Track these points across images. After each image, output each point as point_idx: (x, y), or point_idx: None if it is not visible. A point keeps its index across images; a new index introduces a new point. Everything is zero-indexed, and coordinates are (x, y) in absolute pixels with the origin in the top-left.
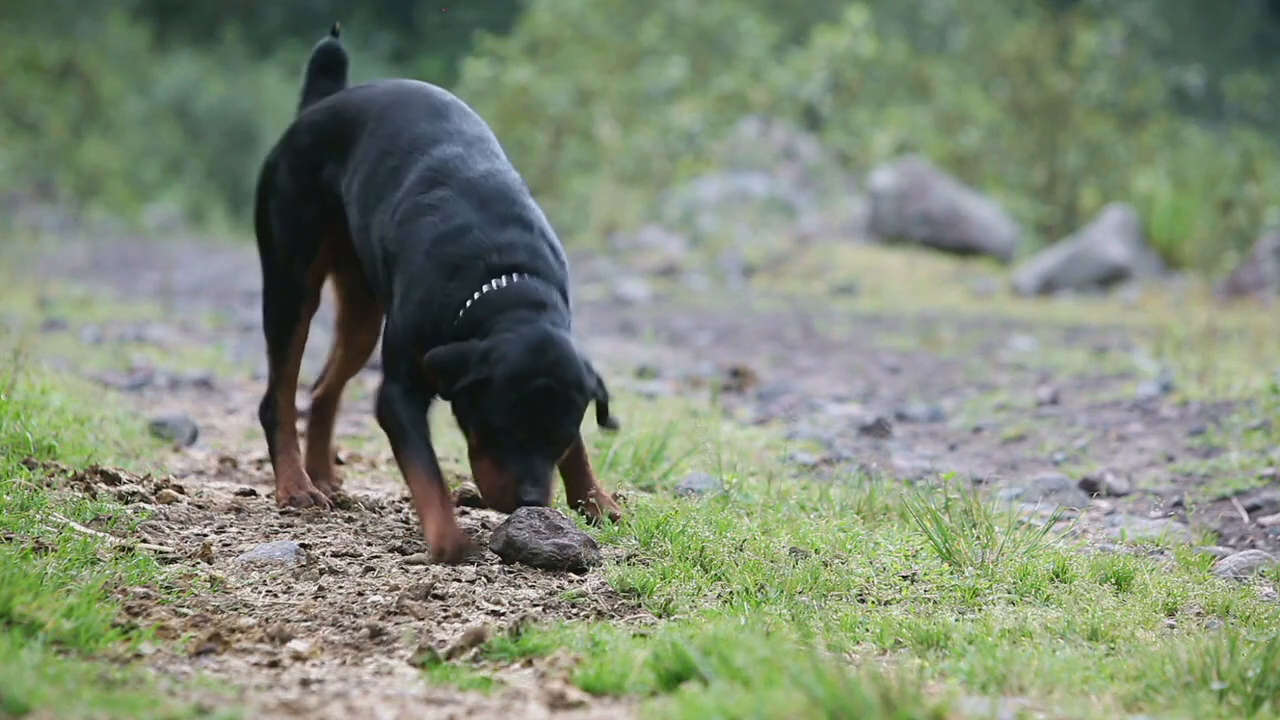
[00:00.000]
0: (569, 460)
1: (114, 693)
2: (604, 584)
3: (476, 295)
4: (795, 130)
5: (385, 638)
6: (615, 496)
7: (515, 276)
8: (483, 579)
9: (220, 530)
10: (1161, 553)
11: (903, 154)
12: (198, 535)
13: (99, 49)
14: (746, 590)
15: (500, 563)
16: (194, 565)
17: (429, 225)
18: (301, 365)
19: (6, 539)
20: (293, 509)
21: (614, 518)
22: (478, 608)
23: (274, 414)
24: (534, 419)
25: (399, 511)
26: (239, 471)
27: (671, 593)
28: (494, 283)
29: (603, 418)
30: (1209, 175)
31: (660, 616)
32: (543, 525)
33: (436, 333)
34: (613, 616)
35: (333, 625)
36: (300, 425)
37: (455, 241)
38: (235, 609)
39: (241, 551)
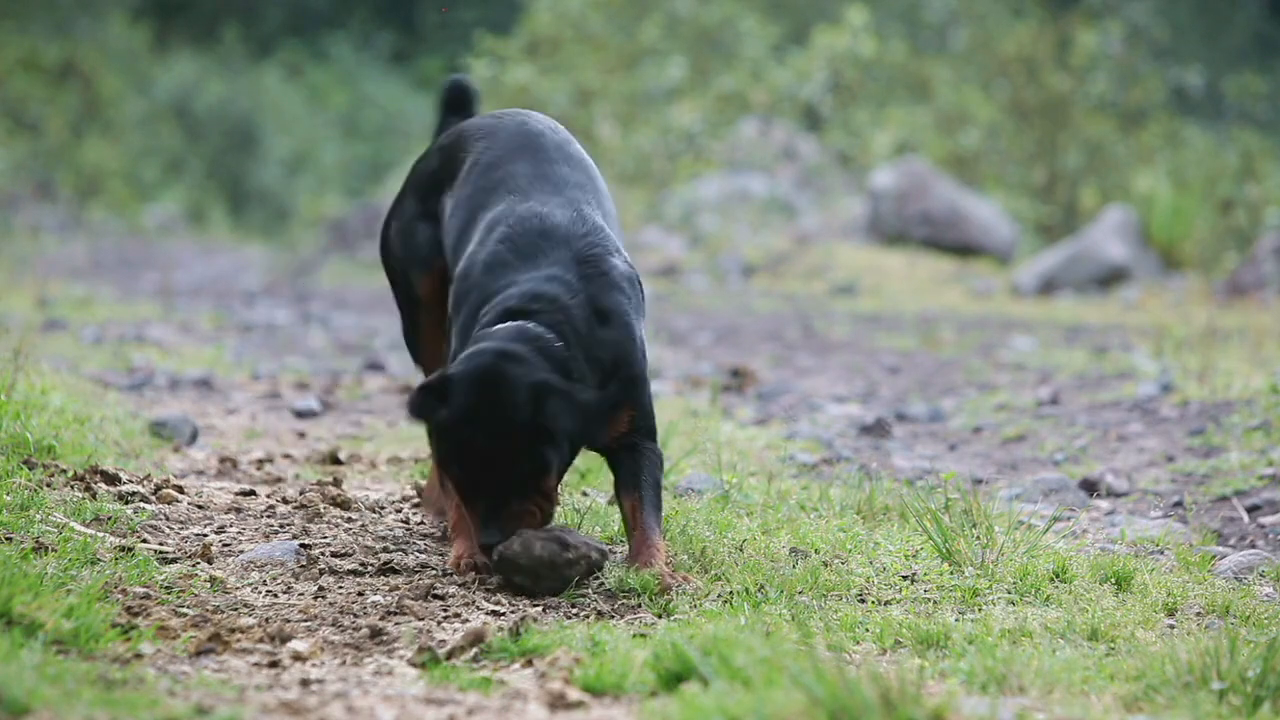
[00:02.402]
0: (627, 515)
1: (114, 693)
2: (604, 584)
3: (476, 331)
4: (795, 130)
5: (385, 638)
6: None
7: (517, 321)
8: (482, 578)
9: (220, 530)
10: (1161, 553)
11: (903, 154)
12: (198, 535)
13: (99, 49)
14: (746, 590)
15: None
16: (194, 565)
17: (485, 273)
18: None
19: (6, 539)
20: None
21: (663, 590)
22: (478, 608)
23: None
24: (473, 464)
25: (399, 511)
26: (239, 471)
27: (671, 592)
28: (496, 327)
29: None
30: (1209, 175)
31: (660, 616)
32: (553, 542)
33: None
34: (613, 616)
35: (333, 625)
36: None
37: (489, 287)
38: (235, 609)
39: (241, 551)
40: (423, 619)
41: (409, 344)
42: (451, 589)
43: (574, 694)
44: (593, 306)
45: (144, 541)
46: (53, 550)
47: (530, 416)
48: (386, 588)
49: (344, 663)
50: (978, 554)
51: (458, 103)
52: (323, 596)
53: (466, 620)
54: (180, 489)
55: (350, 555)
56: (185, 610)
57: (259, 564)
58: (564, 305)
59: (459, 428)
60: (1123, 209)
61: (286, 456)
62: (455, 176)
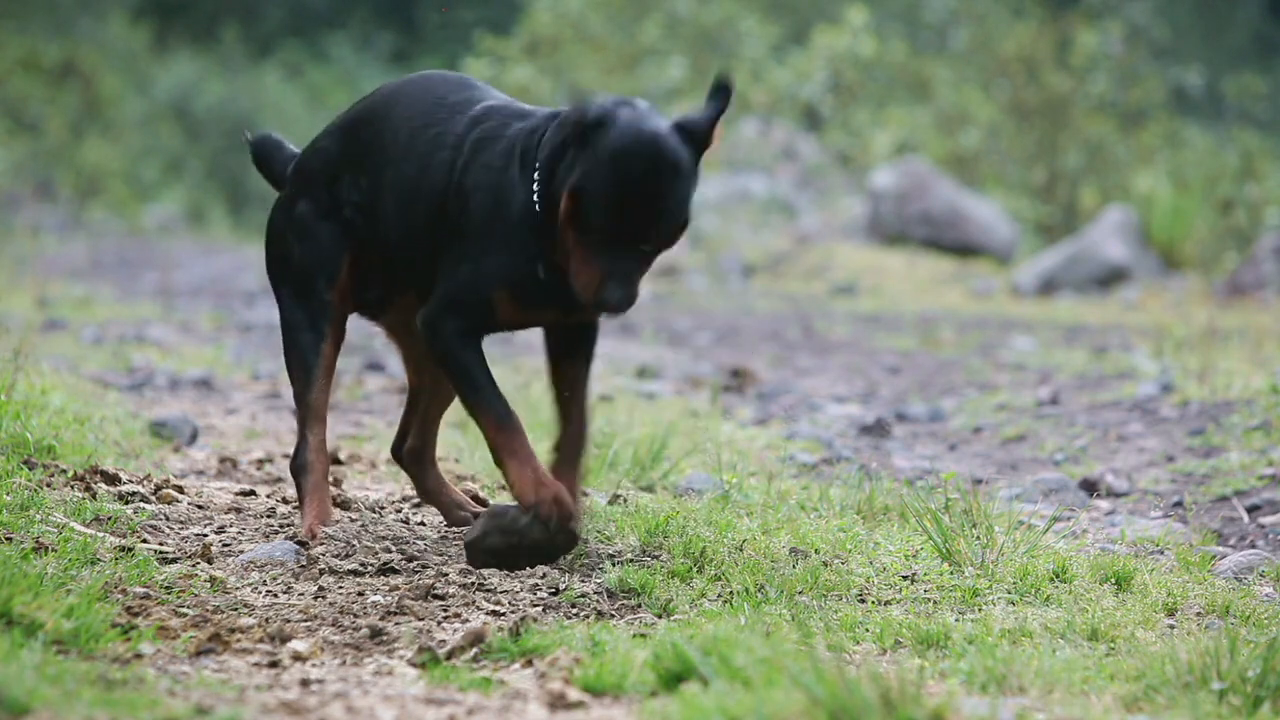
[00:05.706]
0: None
1: (114, 693)
2: (604, 584)
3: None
4: (795, 130)
5: (385, 638)
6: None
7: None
8: (480, 578)
9: (220, 530)
10: (1161, 553)
11: (903, 154)
12: (198, 535)
13: (99, 49)
14: (746, 590)
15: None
16: (194, 565)
17: (489, 155)
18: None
19: (6, 539)
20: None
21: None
22: (478, 608)
23: (300, 458)
24: (629, 206)
25: (399, 511)
26: (239, 471)
27: (671, 593)
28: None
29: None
30: (1209, 175)
31: (660, 616)
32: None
33: (517, 221)
34: (613, 616)
35: (333, 625)
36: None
37: (514, 139)
38: (235, 609)
39: (241, 551)
40: (423, 619)
41: (302, 364)
42: (451, 589)
43: (574, 694)
44: None
45: (144, 541)
46: (53, 550)
47: (691, 156)
48: (386, 588)
49: (344, 663)
50: (978, 554)
51: (269, 157)
52: (323, 596)
53: (466, 620)
54: (180, 489)
55: (350, 555)
56: (185, 610)
57: (259, 564)
58: None
59: (625, 166)
60: (1123, 209)
61: (286, 456)
62: (365, 157)
